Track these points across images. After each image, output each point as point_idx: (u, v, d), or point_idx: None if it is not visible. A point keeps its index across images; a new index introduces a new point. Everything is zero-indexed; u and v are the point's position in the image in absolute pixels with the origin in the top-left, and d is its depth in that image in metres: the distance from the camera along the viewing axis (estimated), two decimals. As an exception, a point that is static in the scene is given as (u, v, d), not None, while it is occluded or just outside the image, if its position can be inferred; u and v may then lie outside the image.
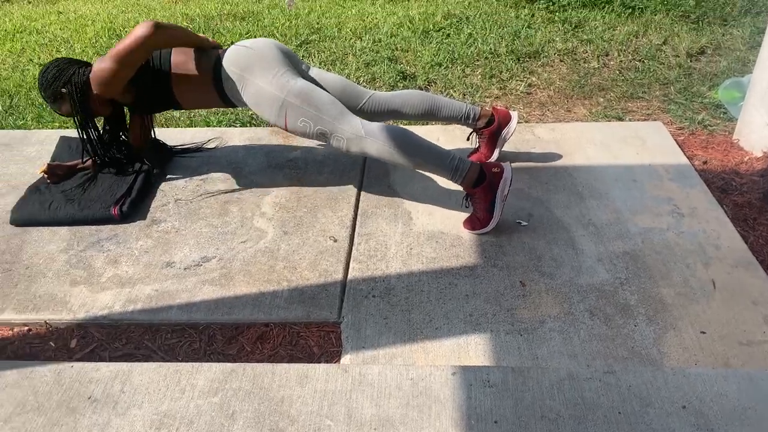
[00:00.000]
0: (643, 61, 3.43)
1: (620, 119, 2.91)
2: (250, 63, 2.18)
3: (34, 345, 1.91)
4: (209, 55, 2.26)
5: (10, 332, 1.95)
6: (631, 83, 3.23)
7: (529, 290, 1.95)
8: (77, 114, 2.27)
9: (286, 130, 2.22)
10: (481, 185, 2.11)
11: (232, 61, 2.21)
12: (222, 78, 2.23)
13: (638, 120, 2.90)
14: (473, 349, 1.76)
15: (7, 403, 1.58)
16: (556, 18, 4.01)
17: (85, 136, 2.34)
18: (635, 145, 2.61)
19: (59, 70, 2.23)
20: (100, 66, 2.15)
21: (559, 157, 2.56)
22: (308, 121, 2.15)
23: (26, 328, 1.97)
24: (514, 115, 2.43)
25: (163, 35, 2.11)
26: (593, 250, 2.09)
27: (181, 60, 2.26)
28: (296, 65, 2.32)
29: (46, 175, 2.49)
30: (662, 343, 1.74)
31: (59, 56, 3.75)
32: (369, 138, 2.12)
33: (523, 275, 2.01)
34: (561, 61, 3.52)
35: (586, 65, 3.46)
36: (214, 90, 2.27)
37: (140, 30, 2.08)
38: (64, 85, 2.22)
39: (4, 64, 3.74)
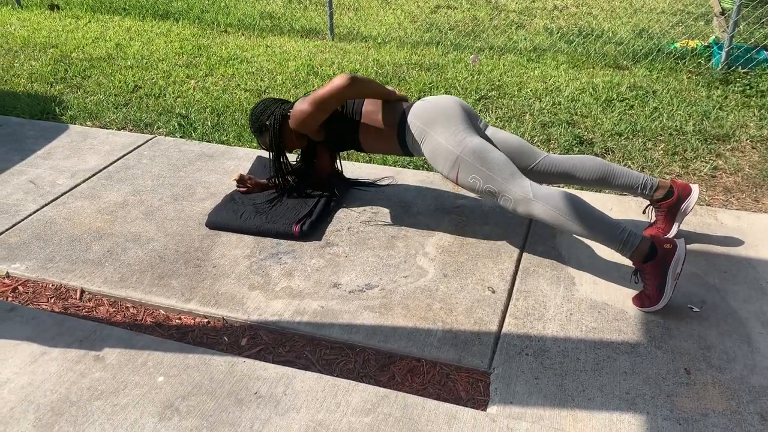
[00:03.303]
0: None
1: (817, 218, 2.68)
2: (432, 118, 2.33)
3: (210, 336, 2.12)
4: (396, 108, 2.45)
5: (192, 321, 2.18)
6: (833, 181, 2.98)
7: (694, 379, 1.85)
8: (273, 144, 2.56)
9: (456, 183, 2.32)
10: (651, 261, 2.05)
11: (416, 115, 2.37)
12: (405, 130, 2.40)
13: (839, 221, 2.66)
14: (626, 428, 1.70)
15: (186, 383, 1.77)
16: (752, 103, 3.81)
17: (275, 164, 2.62)
18: (833, 247, 2.40)
19: (265, 107, 2.57)
20: (300, 107, 2.40)
21: (743, 247, 2.41)
22: (478, 179, 2.24)
23: (206, 320, 2.18)
24: (695, 188, 2.34)
25: (357, 87, 2.32)
26: (772, 351, 1.94)
27: (371, 110, 2.47)
28: (474, 123, 2.42)
29: (237, 183, 2.78)
30: None
31: (264, 85, 4.17)
32: (537, 201, 2.15)
33: (689, 363, 1.91)
34: (753, 147, 3.33)
35: (782, 156, 3.24)
36: (396, 140, 2.44)
37: (338, 81, 2.31)
38: (267, 119, 2.53)
39: (216, 86, 4.22)
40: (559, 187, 2.84)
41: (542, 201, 2.15)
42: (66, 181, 3.01)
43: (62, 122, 3.71)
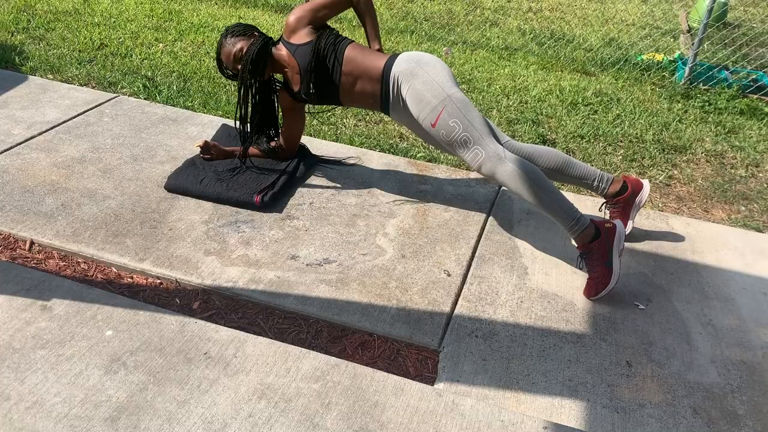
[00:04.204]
0: (796, 180, 3.30)
1: (760, 232, 2.80)
2: (426, 61, 2.34)
3: (162, 297, 2.09)
4: (379, 54, 2.43)
5: (144, 281, 2.15)
6: (778, 199, 3.11)
7: (635, 372, 1.92)
8: (249, 51, 2.42)
9: (433, 126, 2.29)
10: (596, 240, 2.15)
11: (410, 55, 2.37)
12: (392, 69, 2.35)
13: (780, 236, 2.78)
14: (566, 413, 1.76)
15: (135, 338, 1.75)
16: (710, 119, 3.94)
17: (241, 91, 2.48)
18: (773, 259, 2.51)
19: (257, 28, 2.52)
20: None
21: (690, 252, 2.50)
22: (459, 124, 2.26)
23: (159, 281, 2.15)
24: (646, 183, 2.43)
25: None
26: (708, 350, 2.03)
27: (359, 50, 2.43)
28: None
29: (200, 149, 2.72)
30: (767, 461, 1.66)
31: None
32: (507, 162, 2.21)
33: (630, 356, 1.98)
34: (707, 161, 3.45)
35: (733, 171, 3.37)
36: (379, 84, 2.38)
37: None
38: (257, 32, 2.49)
39: (185, 52, 4.14)
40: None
41: (511, 163, 2.20)
42: (22, 131, 2.92)
43: (22, 72, 3.59)
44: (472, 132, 2.25)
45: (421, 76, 2.31)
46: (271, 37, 2.51)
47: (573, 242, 2.25)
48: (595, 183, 2.41)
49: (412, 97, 2.32)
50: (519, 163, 2.21)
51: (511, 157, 2.22)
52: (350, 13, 5.26)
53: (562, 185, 2.94)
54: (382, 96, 2.41)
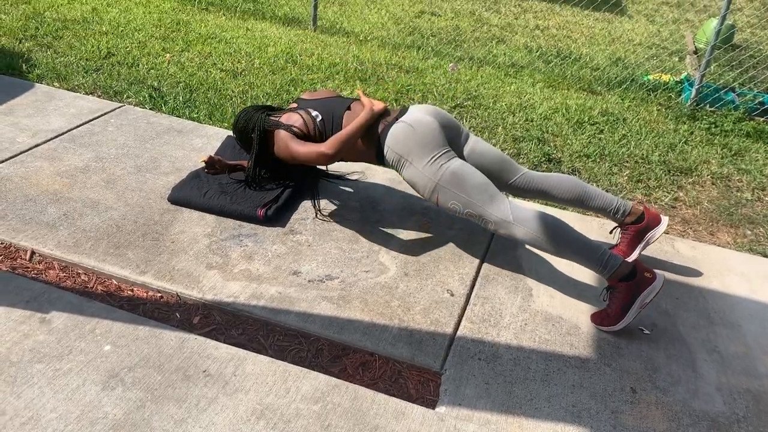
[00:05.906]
0: (803, 205, 3.28)
1: (766, 257, 2.78)
2: (408, 147, 2.27)
3: (162, 311, 2.07)
4: (373, 132, 2.38)
5: (145, 294, 2.13)
6: (784, 223, 3.09)
7: (639, 398, 1.89)
8: (255, 153, 2.54)
9: (437, 206, 2.31)
10: (627, 281, 2.08)
11: (392, 142, 2.30)
12: (383, 153, 2.35)
13: (786, 262, 2.76)
14: (569, 440, 1.73)
15: (134, 354, 1.73)
16: (716, 141, 3.92)
17: (253, 171, 2.58)
18: (779, 285, 2.48)
19: (247, 119, 2.53)
20: (283, 147, 2.41)
21: (696, 276, 2.48)
22: (458, 204, 2.23)
23: (159, 294, 2.13)
24: (665, 220, 2.39)
25: (336, 157, 2.32)
26: (714, 378, 2.00)
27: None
28: (455, 137, 2.41)
29: (205, 165, 2.71)
30: (774, 495, 1.63)
31: (240, 66, 4.11)
32: (517, 224, 2.16)
33: (635, 382, 1.95)
34: (713, 184, 3.43)
35: (739, 194, 3.35)
36: (375, 158, 2.42)
37: (319, 158, 2.32)
38: (252, 132, 2.51)
39: (191, 62, 4.15)
40: (535, 202, 2.88)
41: (522, 224, 2.16)
42: (26, 139, 2.91)
43: (28, 80, 3.59)
44: (474, 207, 2.22)
45: (408, 167, 2.29)
46: (268, 123, 2.49)
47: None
48: (612, 213, 2.38)
49: (407, 181, 2.34)
50: (530, 222, 2.15)
51: (520, 216, 2.17)
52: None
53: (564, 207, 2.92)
54: (386, 165, 2.42)
